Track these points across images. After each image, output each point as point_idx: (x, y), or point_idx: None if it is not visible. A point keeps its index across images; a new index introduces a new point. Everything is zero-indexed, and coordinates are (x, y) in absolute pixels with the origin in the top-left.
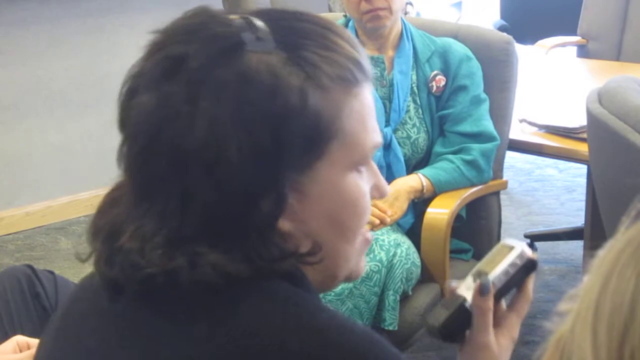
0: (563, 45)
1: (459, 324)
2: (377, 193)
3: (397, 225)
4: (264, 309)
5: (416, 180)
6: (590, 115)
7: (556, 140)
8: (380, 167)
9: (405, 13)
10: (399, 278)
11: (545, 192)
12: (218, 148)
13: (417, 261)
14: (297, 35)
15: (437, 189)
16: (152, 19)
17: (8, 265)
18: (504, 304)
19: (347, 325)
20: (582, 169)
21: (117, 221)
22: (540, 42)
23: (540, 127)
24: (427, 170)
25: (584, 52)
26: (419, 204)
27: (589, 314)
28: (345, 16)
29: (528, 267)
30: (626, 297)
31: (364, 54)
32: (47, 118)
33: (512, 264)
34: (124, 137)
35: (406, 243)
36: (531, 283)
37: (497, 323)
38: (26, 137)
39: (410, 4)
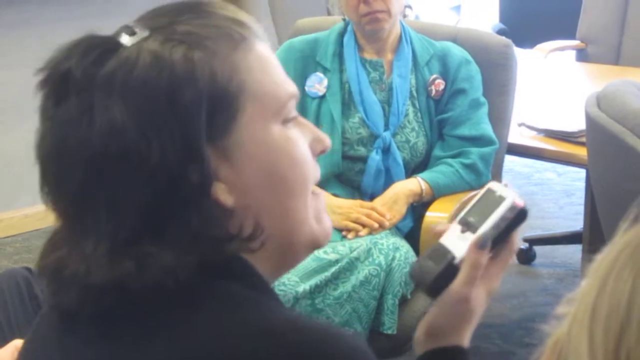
0: (562, 49)
1: (447, 280)
2: (319, 145)
3: (396, 229)
4: (217, 320)
5: (415, 184)
6: (589, 119)
7: (555, 144)
8: (378, 171)
9: (404, 16)
10: (397, 282)
11: (544, 196)
12: (122, 142)
13: None
14: (170, 17)
15: (436, 193)
16: None
17: (6, 268)
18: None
19: (299, 323)
20: (581, 172)
21: (61, 260)
22: (539, 46)
23: (539, 131)
24: (426, 174)
25: (582, 56)
26: (418, 207)
27: (585, 316)
28: (344, 19)
29: (519, 218)
30: (623, 299)
31: (244, 15)
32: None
33: (503, 218)
34: (40, 176)
35: (405, 247)
36: (517, 234)
37: None
38: (26, 139)
39: (409, 7)
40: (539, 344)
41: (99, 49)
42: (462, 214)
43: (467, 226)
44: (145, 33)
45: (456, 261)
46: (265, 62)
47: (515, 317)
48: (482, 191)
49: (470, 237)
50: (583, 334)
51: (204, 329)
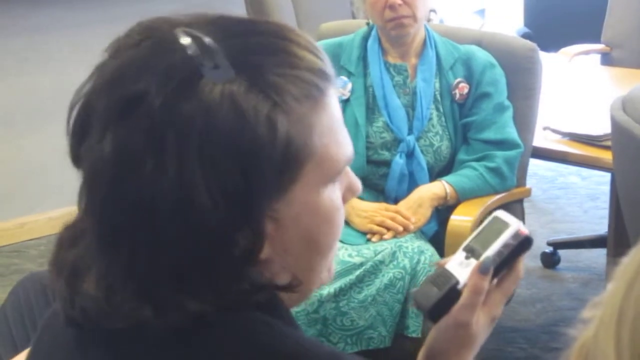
0: (587, 52)
1: (448, 305)
2: (351, 194)
3: (421, 232)
4: (228, 353)
5: (440, 188)
6: (614, 123)
7: (580, 147)
8: (402, 175)
9: (429, 20)
10: None
11: (569, 199)
12: (186, 195)
13: None
14: (255, 54)
15: (461, 196)
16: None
17: (31, 271)
18: (494, 282)
19: (311, 350)
20: (606, 176)
21: (79, 262)
22: (564, 50)
23: (564, 134)
24: (450, 178)
25: (607, 59)
26: (443, 211)
27: (612, 319)
28: (368, 23)
29: (523, 245)
30: None
31: (325, 58)
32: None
33: (506, 245)
34: (83, 178)
35: (430, 250)
36: (522, 261)
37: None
38: (50, 143)
39: (434, 11)
40: (564, 348)
41: (178, 77)
42: (467, 241)
43: (471, 253)
44: (230, 73)
45: (459, 286)
46: (335, 123)
47: (540, 321)
48: (488, 219)
49: (473, 263)
50: (610, 337)
51: (213, 355)
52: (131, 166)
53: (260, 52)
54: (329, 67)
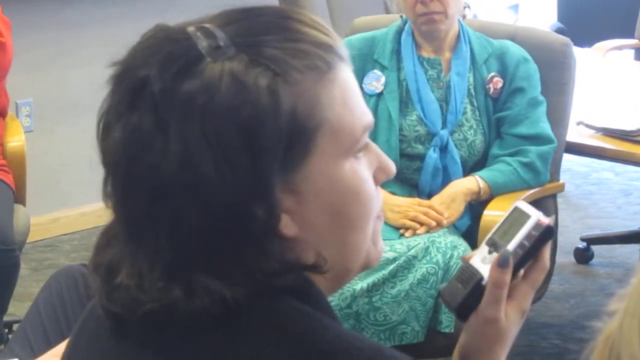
0: (620, 48)
1: (475, 302)
2: (384, 174)
3: (454, 227)
4: (267, 341)
5: (473, 182)
6: None
7: (613, 143)
8: (436, 169)
9: (464, 16)
10: None
11: (602, 195)
12: (196, 171)
13: None
14: (257, 33)
15: (494, 191)
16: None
17: (64, 265)
18: (520, 274)
19: (354, 344)
20: (639, 172)
21: (113, 260)
22: (598, 45)
23: (598, 129)
24: (484, 173)
25: None
26: (476, 206)
27: (637, 310)
28: (401, 17)
29: (544, 236)
30: None
31: (334, 35)
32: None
33: (528, 236)
34: (106, 179)
35: (463, 245)
36: (547, 251)
37: (509, 294)
38: (82, 137)
39: (468, 6)
40: (591, 339)
41: (180, 60)
42: (490, 234)
43: (494, 247)
44: (231, 51)
45: (483, 282)
46: (347, 93)
47: (573, 317)
48: (508, 211)
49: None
50: (634, 327)
51: (253, 349)
52: (141, 148)
53: (262, 32)
54: (337, 44)
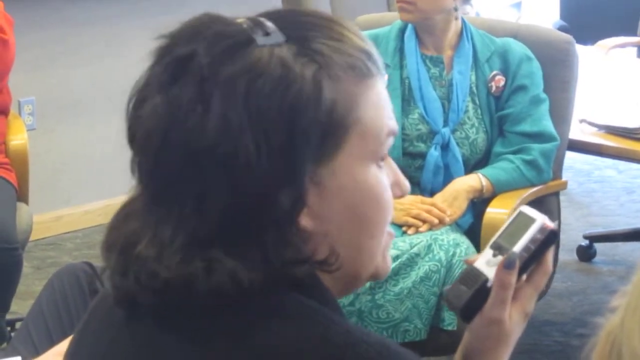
0: (623, 45)
1: (479, 303)
2: (399, 190)
3: (456, 225)
4: (279, 329)
5: (476, 180)
6: None
7: (616, 140)
8: (437, 167)
9: (465, 13)
10: None
11: (605, 193)
12: (232, 145)
13: None
14: (305, 29)
15: (497, 189)
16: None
17: (67, 264)
18: (523, 277)
19: (362, 339)
20: None
21: (132, 233)
22: (600, 43)
23: (600, 127)
24: (486, 170)
25: None
26: (478, 203)
27: (638, 305)
28: None
29: (549, 239)
30: None
31: (373, 48)
32: (106, 117)
33: (533, 240)
34: (135, 148)
35: (465, 243)
36: (550, 256)
37: (513, 297)
38: (85, 136)
39: (470, 4)
40: (593, 335)
41: (230, 40)
42: (494, 238)
43: (499, 250)
44: (280, 38)
45: (488, 284)
46: (382, 102)
47: (576, 315)
48: (513, 214)
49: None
50: (635, 322)
51: (264, 336)
52: (179, 118)
53: (310, 28)
54: (376, 55)
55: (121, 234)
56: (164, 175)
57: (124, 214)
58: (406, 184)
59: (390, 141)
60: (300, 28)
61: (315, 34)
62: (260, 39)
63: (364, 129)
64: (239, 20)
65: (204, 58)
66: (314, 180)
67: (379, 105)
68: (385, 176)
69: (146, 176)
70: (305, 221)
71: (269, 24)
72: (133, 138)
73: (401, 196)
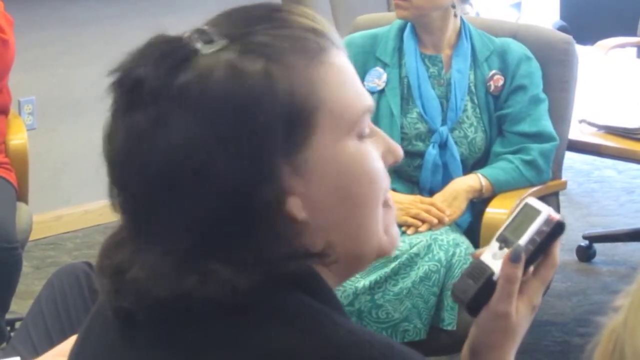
0: (623, 46)
1: (486, 297)
2: (392, 156)
3: (456, 225)
4: (281, 331)
5: (475, 180)
6: None
7: (615, 140)
8: (436, 166)
9: (465, 13)
10: (457, 278)
11: (604, 193)
12: (199, 156)
13: None
14: (246, 25)
15: (496, 189)
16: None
17: (66, 263)
18: (530, 270)
19: (365, 338)
20: None
21: (122, 261)
22: (600, 43)
23: (600, 127)
24: (486, 170)
25: None
26: (478, 203)
27: None
28: None
29: (555, 231)
30: None
31: (325, 23)
32: (106, 117)
33: (539, 232)
34: (109, 177)
35: (465, 243)
36: (557, 247)
37: (519, 290)
38: (85, 135)
39: (470, 3)
40: (593, 334)
41: (174, 56)
42: (500, 230)
43: (505, 242)
44: (223, 42)
45: (494, 277)
46: (343, 74)
47: (576, 315)
48: (519, 207)
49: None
50: (638, 322)
51: (266, 339)
52: (141, 143)
53: (252, 23)
54: (327, 30)
55: (112, 262)
56: (138, 203)
57: (114, 243)
58: (398, 149)
59: (367, 117)
60: (241, 26)
61: (257, 28)
62: (203, 48)
63: (332, 109)
64: (183, 35)
65: (151, 81)
66: (295, 169)
67: (341, 81)
68: (372, 147)
69: (123, 206)
70: (297, 212)
71: (211, 30)
72: (109, 171)
73: (395, 162)
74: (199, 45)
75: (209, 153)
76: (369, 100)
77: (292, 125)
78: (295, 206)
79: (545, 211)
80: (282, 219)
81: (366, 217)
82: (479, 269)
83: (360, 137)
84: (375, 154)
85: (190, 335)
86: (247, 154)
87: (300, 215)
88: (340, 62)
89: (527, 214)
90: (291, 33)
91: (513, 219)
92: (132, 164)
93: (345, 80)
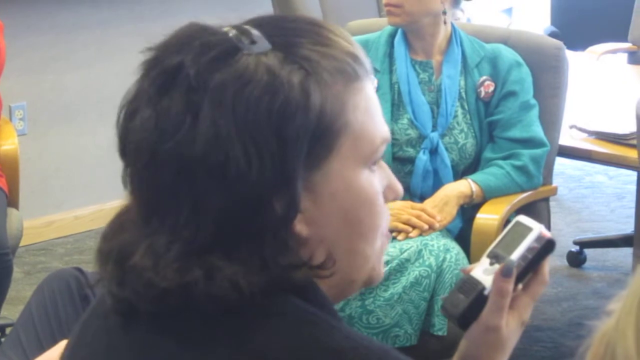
0: (614, 51)
1: (477, 311)
2: (392, 194)
3: (447, 230)
4: (279, 334)
5: (466, 186)
6: None
7: (606, 146)
8: (426, 172)
9: (456, 19)
10: (448, 283)
11: (595, 198)
12: (223, 153)
13: None
14: (291, 35)
15: (487, 195)
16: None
17: (57, 269)
18: (520, 286)
19: (362, 343)
20: (632, 175)
21: (127, 243)
22: (591, 49)
23: (591, 133)
24: (476, 176)
25: (634, 58)
26: (469, 209)
27: (633, 305)
28: None
29: (546, 249)
30: None
31: (361, 51)
32: (98, 123)
33: (531, 248)
34: (126, 160)
35: (455, 248)
36: (547, 265)
37: (510, 305)
38: (76, 141)
39: (461, 9)
40: (586, 338)
41: (218, 49)
42: (491, 247)
43: (496, 258)
44: (266, 46)
45: (485, 292)
46: (371, 105)
47: (566, 320)
48: (510, 225)
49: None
50: (630, 323)
51: (264, 341)
52: (169, 129)
53: (296, 34)
54: (364, 58)
55: (115, 244)
56: (155, 187)
57: (118, 223)
58: (399, 187)
59: (383, 148)
60: (286, 34)
61: (302, 40)
62: (246, 48)
63: (355, 133)
64: (225, 29)
65: (191, 69)
66: (307, 186)
67: (368, 110)
68: (377, 181)
69: (138, 188)
70: (300, 227)
71: (255, 32)
72: (124, 150)
73: (394, 199)
74: (244, 43)
75: (232, 155)
76: (387, 132)
77: (316, 142)
78: (299, 221)
79: (537, 228)
80: (287, 232)
81: (365, 244)
82: (470, 284)
83: (372, 167)
84: (380, 189)
85: (191, 332)
86: (270, 161)
87: (302, 230)
88: (369, 91)
89: (518, 231)
90: (332, 53)
91: (504, 236)
92: (157, 147)
93: (371, 110)
